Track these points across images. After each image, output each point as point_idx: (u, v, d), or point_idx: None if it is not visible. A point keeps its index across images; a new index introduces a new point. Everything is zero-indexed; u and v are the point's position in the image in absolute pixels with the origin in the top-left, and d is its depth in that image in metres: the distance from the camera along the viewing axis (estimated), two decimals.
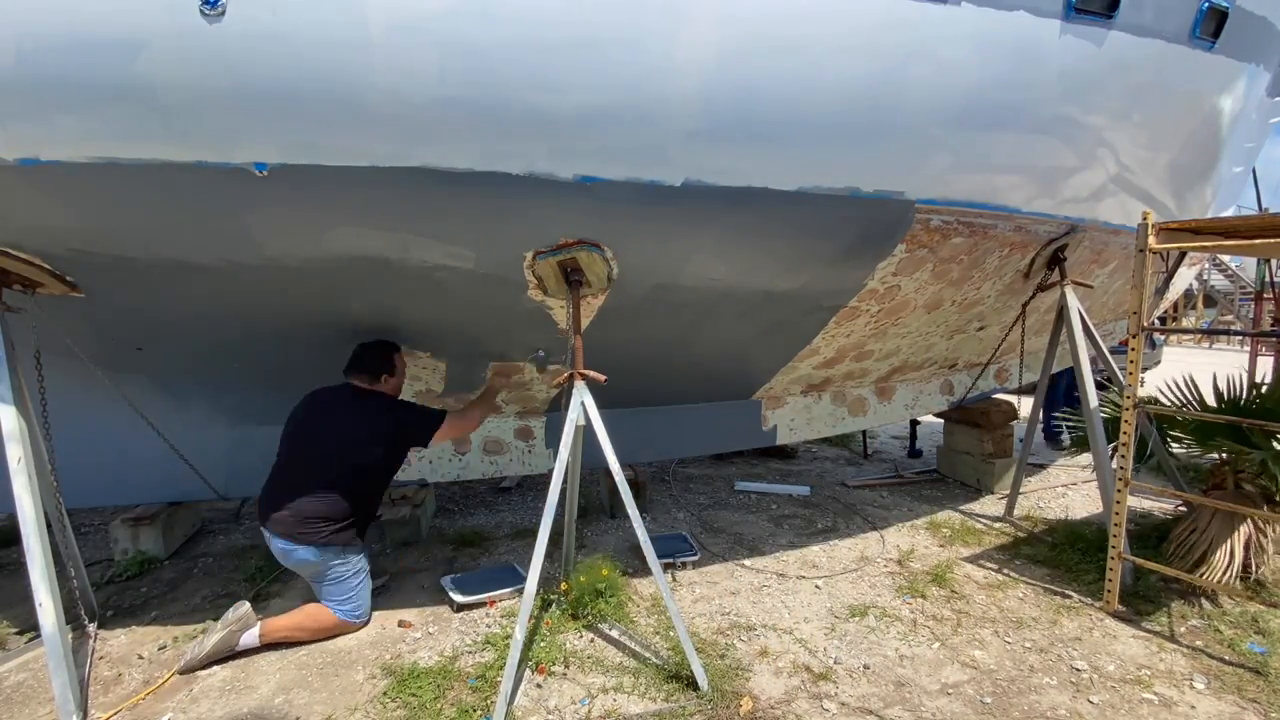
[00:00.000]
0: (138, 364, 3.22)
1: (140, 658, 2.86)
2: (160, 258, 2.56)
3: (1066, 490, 5.13)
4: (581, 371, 2.79)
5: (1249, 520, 3.25)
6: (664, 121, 2.35)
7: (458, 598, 3.24)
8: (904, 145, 2.73)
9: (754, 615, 3.18)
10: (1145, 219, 3.07)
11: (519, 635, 2.50)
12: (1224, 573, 3.12)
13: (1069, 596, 3.33)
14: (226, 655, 2.79)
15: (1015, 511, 4.51)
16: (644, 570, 3.44)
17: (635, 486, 4.16)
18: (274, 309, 2.93)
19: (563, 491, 2.76)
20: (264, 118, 2.10)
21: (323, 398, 3.13)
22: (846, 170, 2.69)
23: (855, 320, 3.67)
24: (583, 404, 2.76)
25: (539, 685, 2.63)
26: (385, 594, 3.41)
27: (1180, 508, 4.03)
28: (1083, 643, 2.91)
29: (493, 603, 3.29)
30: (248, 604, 2.88)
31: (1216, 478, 3.57)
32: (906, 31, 2.47)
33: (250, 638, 2.82)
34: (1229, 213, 5.34)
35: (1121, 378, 3.36)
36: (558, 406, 3.76)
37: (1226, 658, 2.77)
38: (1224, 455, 3.60)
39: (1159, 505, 4.54)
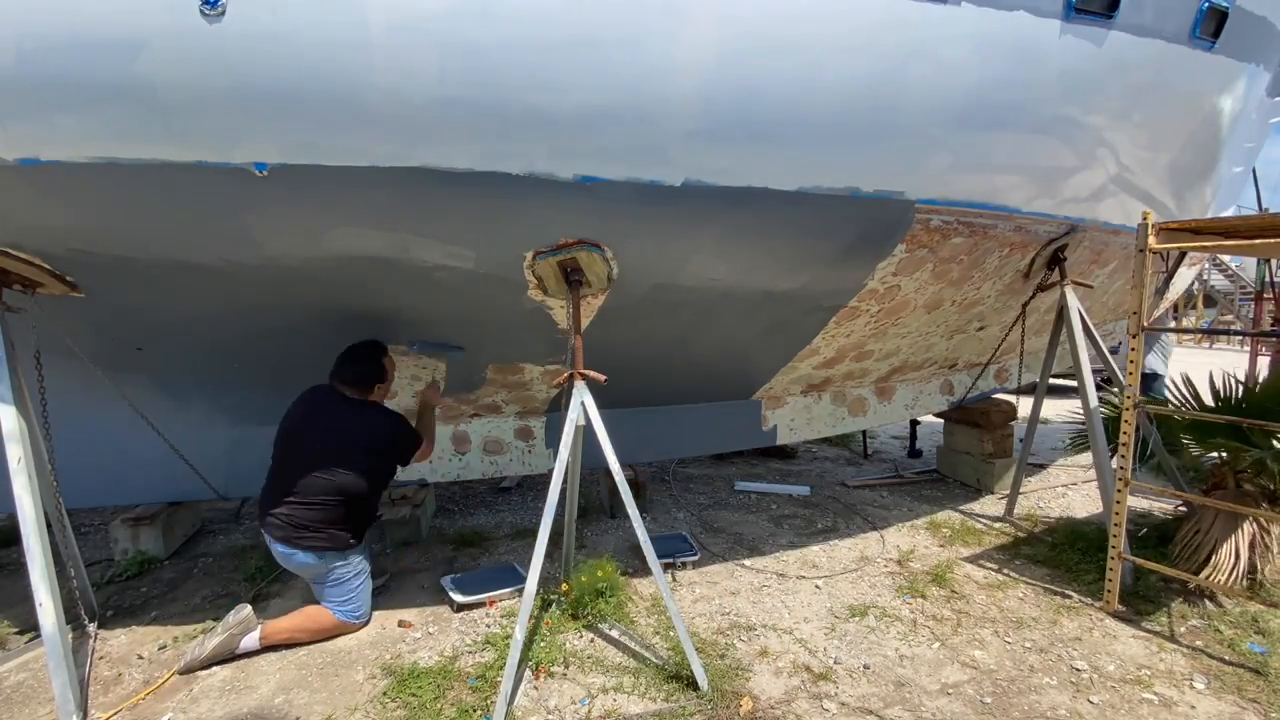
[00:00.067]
0: (138, 364, 3.22)
1: (140, 658, 2.86)
2: (160, 258, 2.56)
3: (1066, 490, 5.13)
4: (581, 371, 2.79)
5: (1252, 520, 3.25)
6: (664, 121, 2.35)
7: (458, 598, 3.24)
8: (904, 145, 2.73)
9: (754, 615, 3.17)
10: (1145, 219, 3.07)
11: (519, 635, 2.50)
12: (1229, 574, 3.12)
13: (1069, 596, 3.32)
14: (226, 657, 2.79)
15: (1015, 511, 4.51)
16: (644, 570, 3.44)
17: (635, 486, 4.16)
18: (274, 309, 2.93)
19: (563, 491, 2.76)
20: (264, 118, 2.11)
21: (320, 402, 3.08)
22: (846, 170, 2.69)
23: (855, 320, 3.67)
24: (583, 404, 2.76)
25: (539, 685, 2.63)
26: (385, 594, 3.41)
27: (1180, 508, 4.03)
28: (1083, 643, 2.91)
29: (493, 603, 3.29)
30: (249, 607, 2.88)
31: (1217, 477, 3.57)
32: (906, 31, 2.47)
33: (250, 641, 2.81)
34: (1229, 213, 5.34)
35: (1121, 378, 3.36)
36: (558, 406, 3.76)
37: (1226, 658, 2.77)
38: (1223, 455, 3.61)
39: (1159, 505, 4.54)
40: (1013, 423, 5.28)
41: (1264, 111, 4.54)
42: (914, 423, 6.25)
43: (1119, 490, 3.20)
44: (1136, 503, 4.55)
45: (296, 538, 2.91)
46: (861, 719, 2.43)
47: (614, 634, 3.01)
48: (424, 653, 2.87)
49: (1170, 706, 2.48)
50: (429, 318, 3.14)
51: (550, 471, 2.79)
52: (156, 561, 3.82)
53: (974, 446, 5.24)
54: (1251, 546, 3.23)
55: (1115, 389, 3.99)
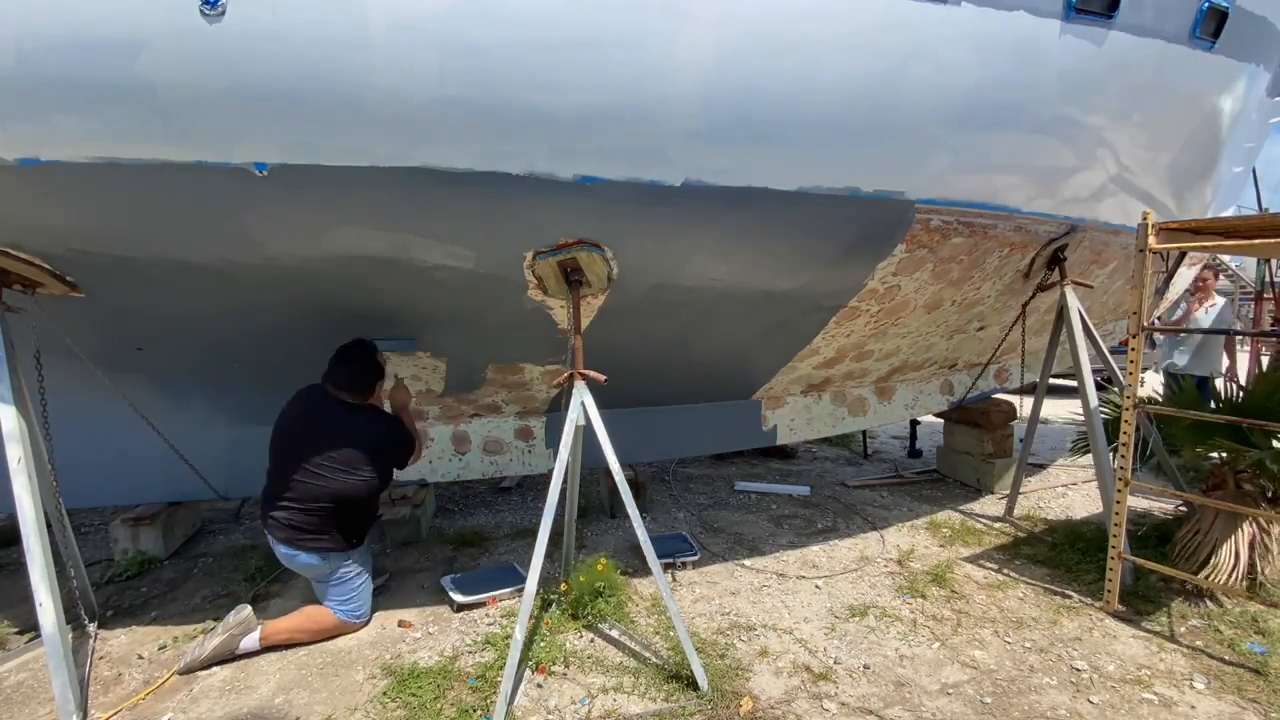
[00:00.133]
0: (138, 364, 3.22)
1: (140, 658, 2.86)
2: (160, 258, 2.56)
3: (1066, 490, 5.13)
4: (581, 371, 2.79)
5: (1252, 520, 3.25)
6: (664, 121, 2.35)
7: (458, 598, 3.24)
8: (904, 145, 2.73)
9: (754, 615, 3.17)
10: (1145, 219, 3.06)
11: (519, 635, 2.50)
12: (1230, 574, 3.12)
13: (1069, 596, 3.32)
14: (227, 658, 2.79)
15: (1015, 511, 4.51)
16: (644, 570, 3.44)
17: (635, 486, 4.16)
18: (274, 309, 2.93)
19: (563, 491, 2.76)
20: (264, 118, 2.10)
21: (317, 405, 3.04)
22: (846, 170, 2.69)
23: (855, 320, 3.67)
24: (583, 404, 2.76)
25: (539, 685, 2.63)
26: (385, 594, 3.41)
27: (1180, 508, 4.03)
28: (1083, 643, 2.91)
29: (493, 602, 3.29)
30: (249, 607, 2.88)
31: (1216, 477, 3.57)
32: (906, 31, 2.47)
33: (251, 641, 2.81)
34: (1229, 213, 5.34)
35: (1121, 378, 3.36)
36: (558, 406, 3.76)
37: (1226, 658, 2.77)
38: (1223, 455, 3.61)
39: (1159, 505, 4.54)
40: (1013, 423, 5.28)
41: (1264, 111, 4.54)
42: (914, 423, 6.25)
43: (1119, 490, 3.20)
44: (1136, 503, 4.55)
45: (299, 539, 2.91)
46: (861, 719, 2.43)
47: (614, 634, 3.01)
48: (424, 653, 2.87)
49: (1170, 706, 2.48)
50: (429, 318, 3.14)
51: (550, 471, 2.79)
52: (156, 561, 3.83)
53: (974, 446, 5.24)
54: (1251, 546, 3.23)
55: (1115, 389, 4.00)
